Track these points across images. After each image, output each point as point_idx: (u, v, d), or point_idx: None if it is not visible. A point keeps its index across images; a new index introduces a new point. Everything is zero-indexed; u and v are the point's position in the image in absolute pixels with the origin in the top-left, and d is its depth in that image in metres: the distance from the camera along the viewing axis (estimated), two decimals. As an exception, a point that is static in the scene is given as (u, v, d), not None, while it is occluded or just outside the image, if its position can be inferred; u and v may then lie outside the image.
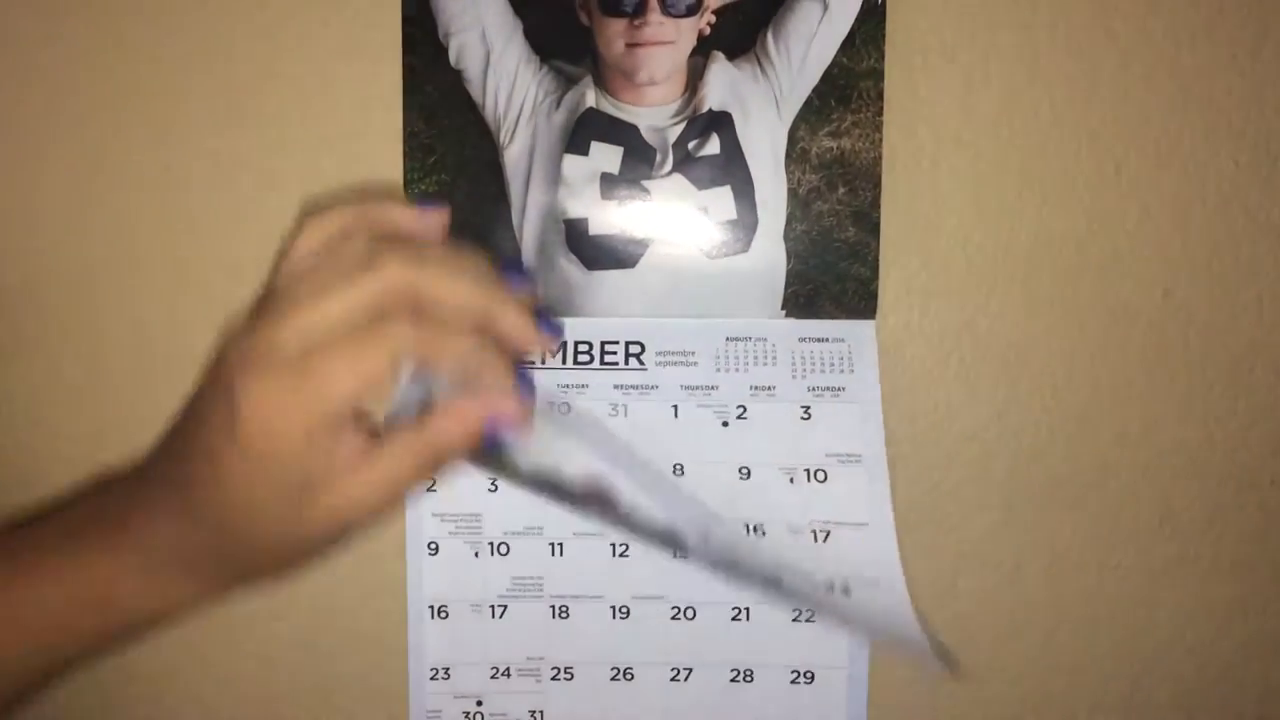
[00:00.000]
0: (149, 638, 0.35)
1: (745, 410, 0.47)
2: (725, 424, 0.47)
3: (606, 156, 0.46)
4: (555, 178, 0.46)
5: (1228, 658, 0.49)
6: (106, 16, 0.47)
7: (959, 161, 0.46)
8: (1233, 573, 0.48)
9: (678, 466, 0.46)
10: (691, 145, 0.46)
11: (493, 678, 0.48)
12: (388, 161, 0.47)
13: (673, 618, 0.48)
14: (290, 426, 0.30)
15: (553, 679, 0.48)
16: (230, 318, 0.31)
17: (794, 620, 0.48)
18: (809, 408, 0.46)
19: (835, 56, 0.45)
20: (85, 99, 0.47)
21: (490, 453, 0.35)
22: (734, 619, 0.48)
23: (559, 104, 0.46)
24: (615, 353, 0.47)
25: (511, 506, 0.47)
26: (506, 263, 0.35)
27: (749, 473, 0.46)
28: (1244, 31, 0.46)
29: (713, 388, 0.47)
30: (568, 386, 0.47)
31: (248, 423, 0.30)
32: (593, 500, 0.43)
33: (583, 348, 0.47)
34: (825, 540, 0.46)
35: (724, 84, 0.45)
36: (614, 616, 0.48)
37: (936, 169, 0.46)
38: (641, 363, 0.47)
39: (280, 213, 0.39)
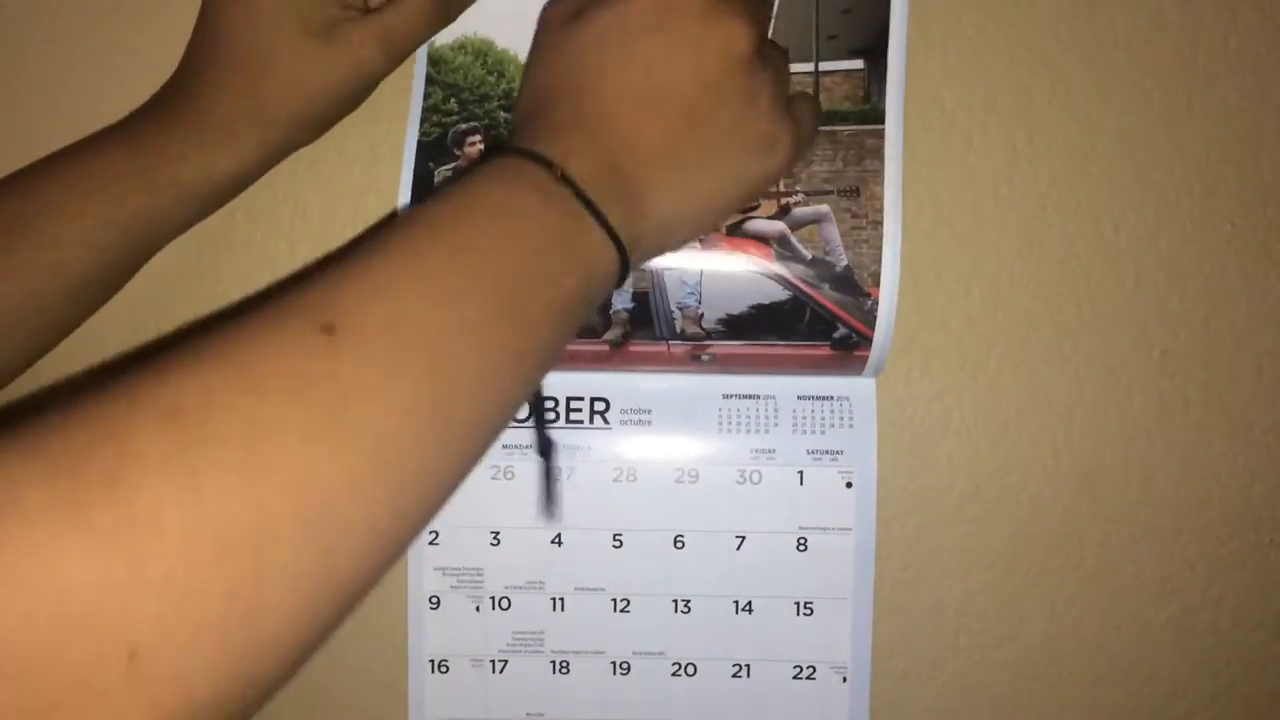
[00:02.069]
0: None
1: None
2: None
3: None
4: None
5: (1229, 717, 0.49)
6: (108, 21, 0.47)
7: (959, 220, 0.47)
8: (1234, 632, 0.48)
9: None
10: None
11: (492, 733, 0.48)
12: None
13: (673, 674, 0.48)
14: None
15: (553, 734, 0.48)
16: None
17: (794, 678, 0.48)
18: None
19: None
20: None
21: None
22: (734, 675, 0.48)
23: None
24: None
25: (513, 561, 0.47)
26: None
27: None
28: (1240, 95, 0.46)
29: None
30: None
31: None
32: None
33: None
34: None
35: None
36: (614, 672, 0.48)
37: (936, 228, 0.47)
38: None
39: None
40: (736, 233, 0.43)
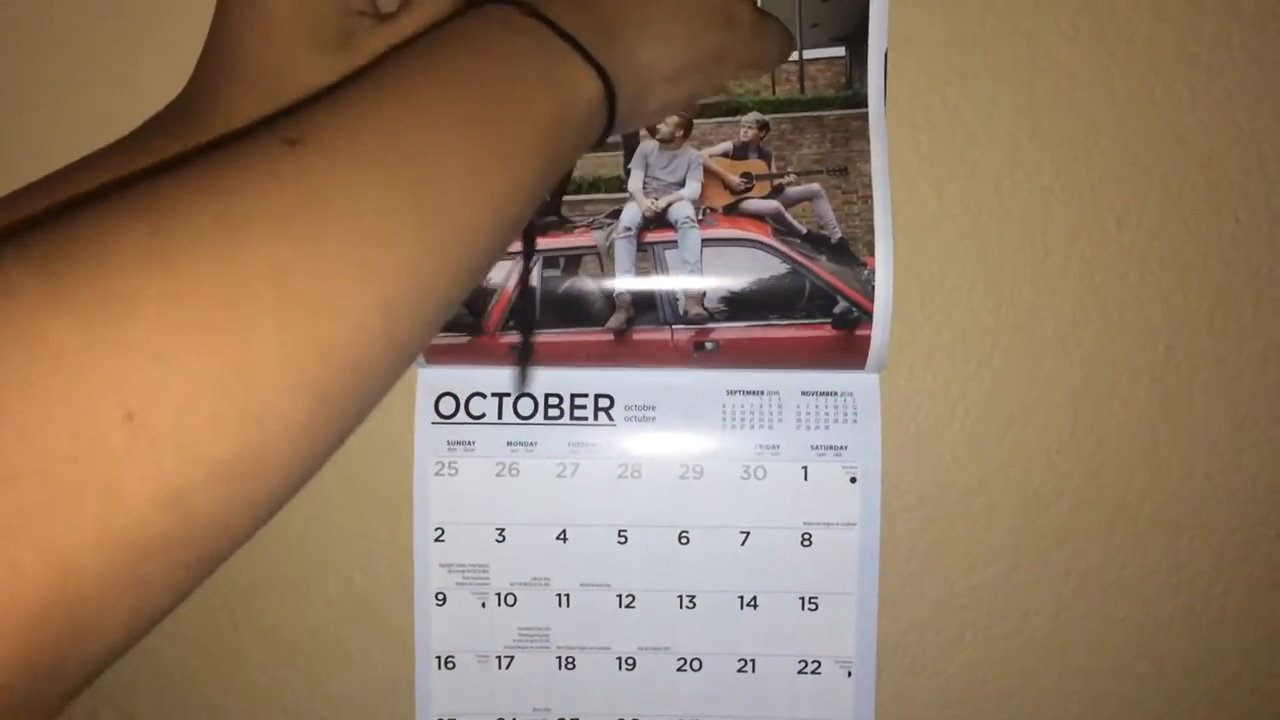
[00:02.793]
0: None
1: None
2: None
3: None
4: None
5: (1235, 709, 0.49)
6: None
7: (962, 217, 0.47)
8: (1239, 625, 0.48)
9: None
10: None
11: (499, 729, 0.48)
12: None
13: (679, 669, 0.48)
14: None
15: (559, 730, 0.48)
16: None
17: (799, 673, 0.48)
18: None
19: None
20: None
21: None
22: (740, 670, 0.48)
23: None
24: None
25: (519, 557, 0.48)
26: None
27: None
28: (1243, 88, 0.46)
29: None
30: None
31: None
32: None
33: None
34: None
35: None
36: (620, 668, 0.48)
37: (939, 224, 0.47)
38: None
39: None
40: (734, 212, 0.44)
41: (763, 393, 0.47)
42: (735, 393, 0.47)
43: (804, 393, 0.47)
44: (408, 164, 0.27)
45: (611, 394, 0.47)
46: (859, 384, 0.47)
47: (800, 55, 0.44)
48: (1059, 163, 0.47)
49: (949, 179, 0.47)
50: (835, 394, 0.47)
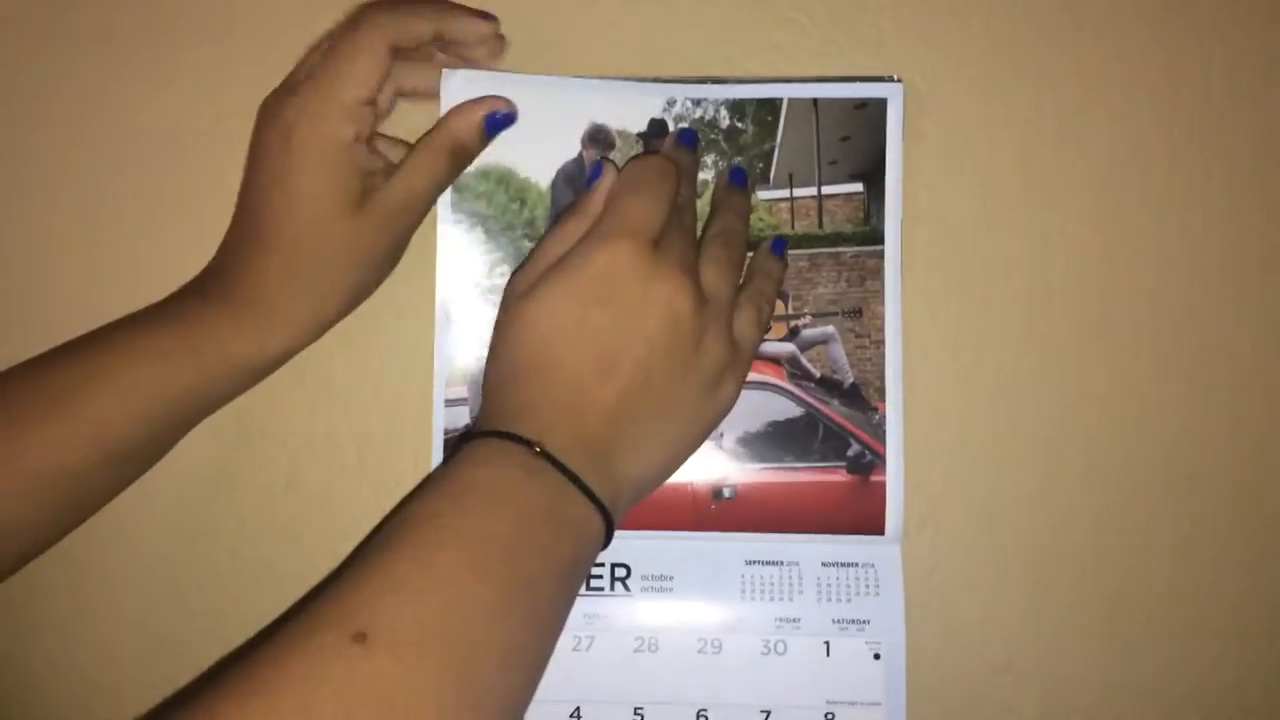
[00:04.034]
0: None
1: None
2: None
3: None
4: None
5: None
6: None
7: (977, 360, 0.46)
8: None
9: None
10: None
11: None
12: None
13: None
14: (323, 131, 0.38)
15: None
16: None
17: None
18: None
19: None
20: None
21: (491, 135, 0.42)
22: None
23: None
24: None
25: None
26: None
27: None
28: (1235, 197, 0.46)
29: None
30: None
31: (293, 135, 0.38)
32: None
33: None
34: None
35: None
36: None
37: (953, 369, 0.46)
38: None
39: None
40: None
41: (782, 563, 0.46)
42: (755, 563, 0.46)
43: (824, 564, 0.46)
44: (460, 655, 0.29)
45: (628, 563, 0.46)
46: (880, 555, 0.46)
47: (819, 191, 0.45)
48: (1077, 308, 0.46)
49: (963, 320, 0.46)
50: (856, 565, 0.46)
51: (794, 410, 0.44)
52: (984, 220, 0.46)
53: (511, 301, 0.39)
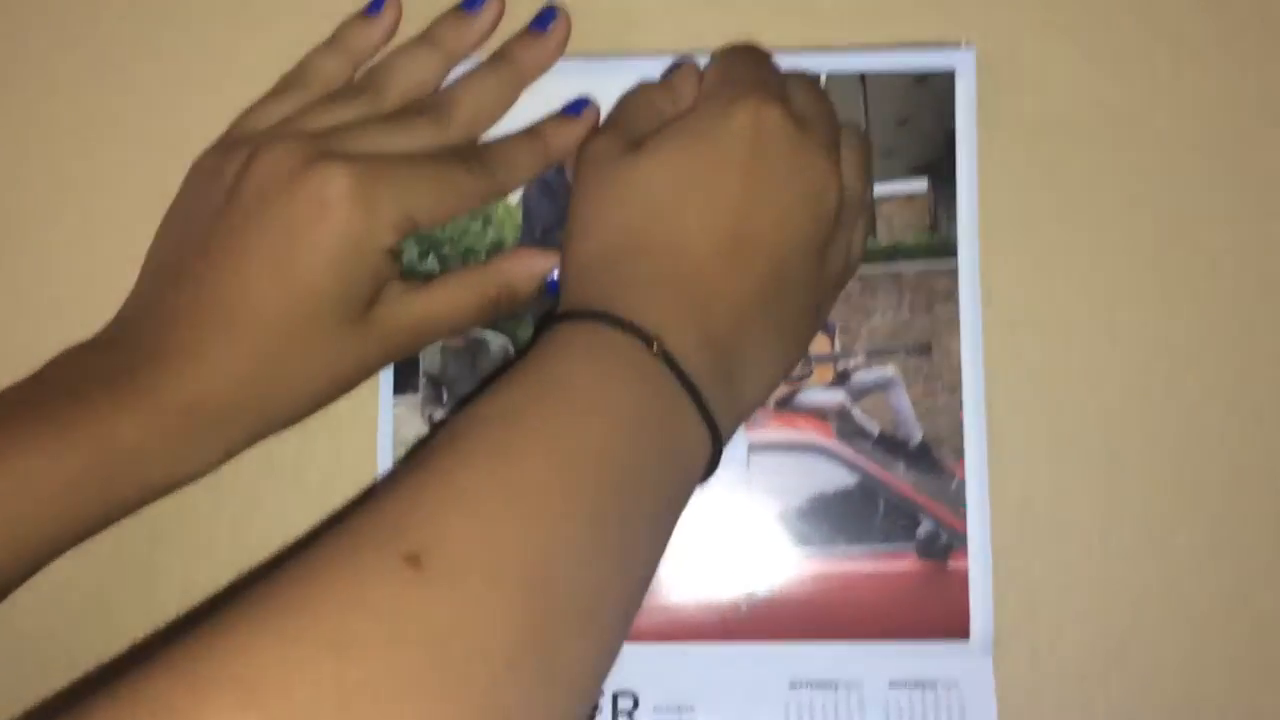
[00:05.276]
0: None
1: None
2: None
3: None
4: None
5: None
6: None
7: (1088, 406, 0.41)
8: None
9: None
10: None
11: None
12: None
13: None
14: (365, 226, 0.34)
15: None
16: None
17: None
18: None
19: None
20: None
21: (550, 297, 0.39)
22: None
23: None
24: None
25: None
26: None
27: None
28: None
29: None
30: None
31: (330, 215, 0.34)
32: None
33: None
34: None
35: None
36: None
37: (1054, 419, 0.41)
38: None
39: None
40: (788, 407, 0.40)
41: (838, 685, 0.39)
42: (801, 685, 0.39)
43: (893, 683, 0.39)
44: (537, 596, 0.26)
45: (635, 690, 0.39)
46: (965, 670, 0.39)
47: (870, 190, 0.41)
48: (1213, 346, 0.40)
49: (1064, 357, 0.41)
50: (935, 685, 0.38)
51: (845, 478, 0.39)
52: (1087, 225, 0.41)
53: (610, 158, 0.35)
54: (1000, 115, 0.42)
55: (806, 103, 0.36)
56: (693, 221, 0.33)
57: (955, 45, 0.41)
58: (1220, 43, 0.42)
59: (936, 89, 0.41)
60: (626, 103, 0.38)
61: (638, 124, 0.36)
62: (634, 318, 0.31)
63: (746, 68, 0.37)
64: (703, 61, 0.40)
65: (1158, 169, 0.42)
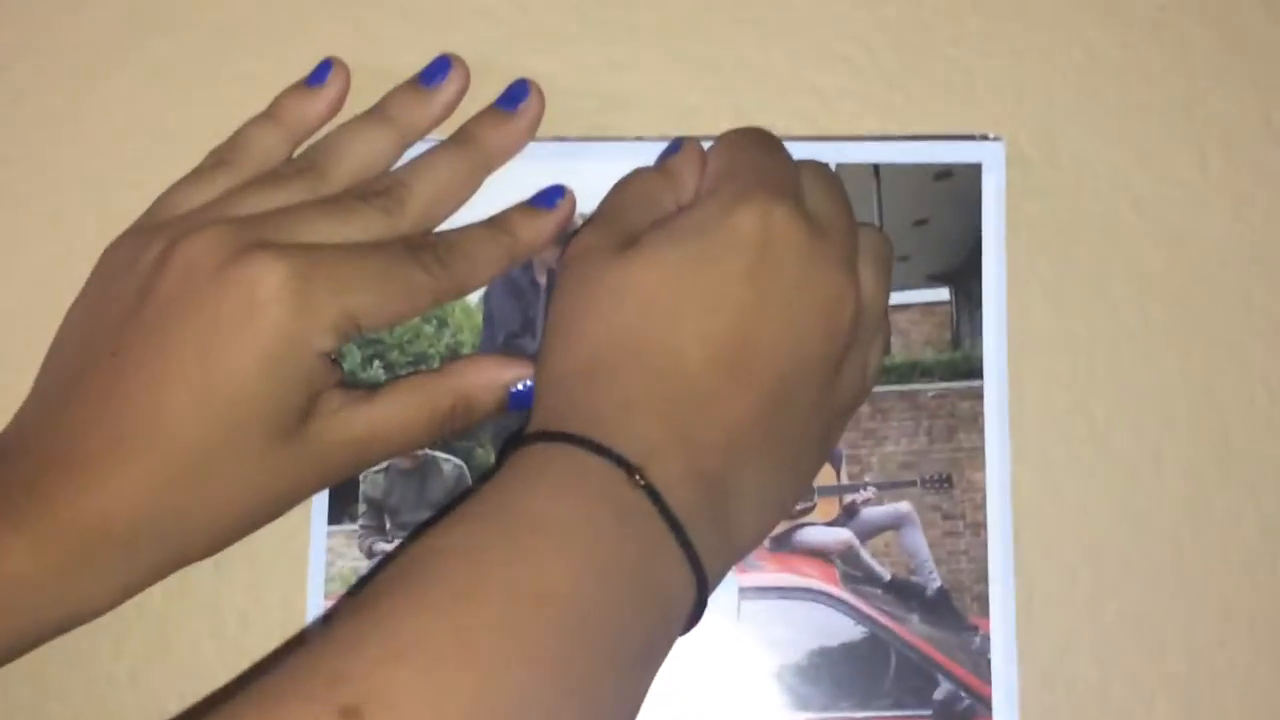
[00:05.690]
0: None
1: None
2: None
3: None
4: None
5: None
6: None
7: (1132, 552, 0.38)
8: None
9: None
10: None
11: None
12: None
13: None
14: (302, 328, 0.33)
15: None
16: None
17: None
18: None
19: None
20: None
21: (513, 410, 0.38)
22: None
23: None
24: None
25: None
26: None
27: None
28: None
29: None
30: None
31: (259, 317, 0.32)
32: None
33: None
34: None
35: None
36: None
37: (1094, 554, 0.39)
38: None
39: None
40: (785, 547, 0.39)
41: None
42: None
43: None
44: None
45: None
46: None
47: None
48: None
49: (1103, 493, 0.39)
50: None
51: (852, 631, 0.38)
52: (1129, 341, 0.39)
53: (599, 258, 0.34)
54: (1031, 216, 0.40)
55: (822, 201, 0.35)
56: (689, 333, 0.32)
57: (982, 137, 0.39)
58: (1270, 140, 0.40)
59: (960, 185, 0.39)
60: (620, 192, 0.36)
61: (631, 218, 0.34)
62: (615, 443, 0.29)
63: (755, 156, 0.35)
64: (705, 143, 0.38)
65: (1205, 279, 0.39)
